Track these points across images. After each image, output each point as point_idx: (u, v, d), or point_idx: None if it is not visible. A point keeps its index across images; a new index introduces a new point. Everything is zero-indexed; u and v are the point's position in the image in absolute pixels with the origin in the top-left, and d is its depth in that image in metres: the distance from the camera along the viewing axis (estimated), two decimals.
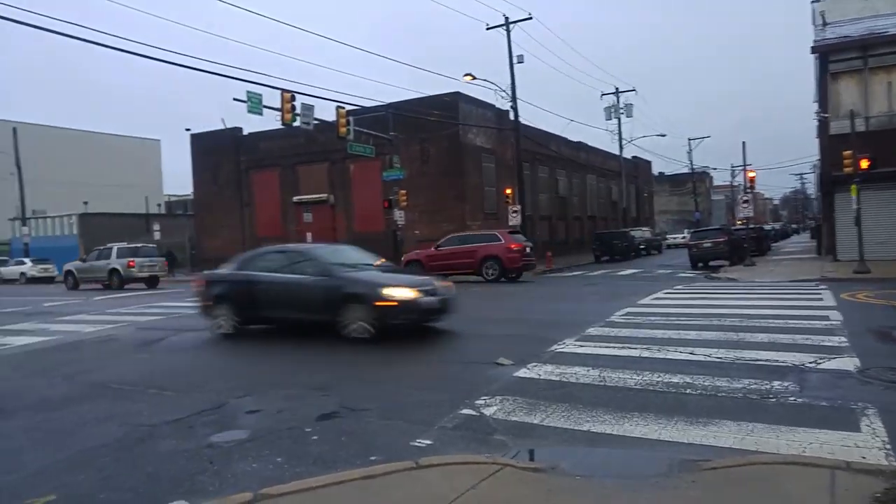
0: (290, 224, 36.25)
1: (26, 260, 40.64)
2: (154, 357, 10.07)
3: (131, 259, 28.37)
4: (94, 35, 17.70)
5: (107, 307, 18.55)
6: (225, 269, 12.45)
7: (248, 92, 22.71)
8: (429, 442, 5.32)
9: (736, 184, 69.27)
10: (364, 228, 33.46)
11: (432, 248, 25.08)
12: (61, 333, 13.13)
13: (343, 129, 25.73)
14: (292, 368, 8.69)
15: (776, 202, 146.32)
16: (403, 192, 28.78)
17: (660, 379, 6.99)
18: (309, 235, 29.80)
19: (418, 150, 32.31)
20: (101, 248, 30.01)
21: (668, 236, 60.31)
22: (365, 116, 28.73)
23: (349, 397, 6.79)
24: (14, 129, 45.76)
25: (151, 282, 29.22)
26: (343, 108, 25.63)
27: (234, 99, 22.78)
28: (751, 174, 29.98)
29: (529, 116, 39.14)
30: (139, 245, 30.52)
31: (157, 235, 43.69)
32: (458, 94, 32.37)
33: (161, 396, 7.36)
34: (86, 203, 55.32)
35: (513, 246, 23.80)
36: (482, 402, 6.32)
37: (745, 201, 28.84)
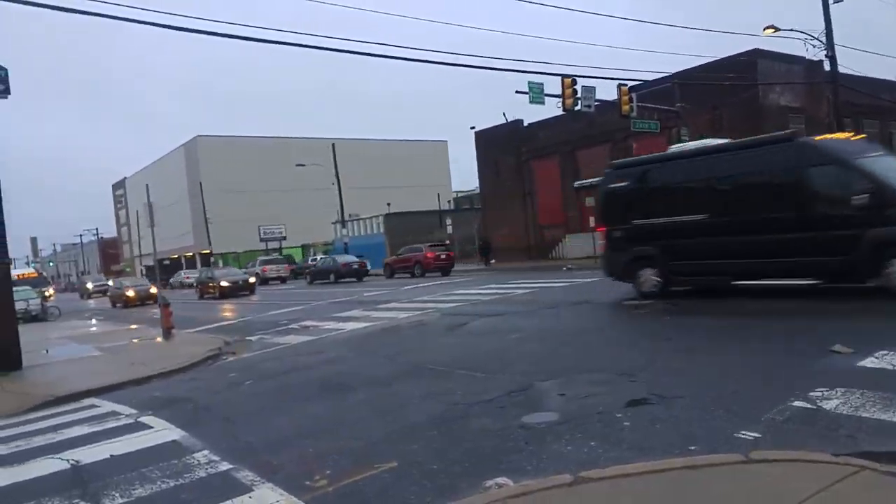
0: (571, 210, 36.39)
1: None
2: (461, 340, 10.75)
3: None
4: (384, 49, 19.59)
5: (414, 295, 20.44)
6: None
7: (530, 83, 23.23)
8: (756, 434, 4.80)
9: None
10: None
11: None
12: (381, 319, 14.76)
13: (626, 108, 25.03)
14: (593, 354, 8.60)
15: None
16: None
17: None
18: (592, 220, 29.55)
19: (709, 119, 29.75)
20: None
21: None
22: (648, 91, 27.55)
23: (658, 384, 6.47)
24: (332, 145, 52.96)
25: (445, 270, 34.10)
26: (625, 85, 24.91)
27: (517, 91, 23.47)
28: None
29: (851, 63, 33.82)
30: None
31: (449, 230, 47.19)
32: (756, 51, 29.02)
33: (471, 377, 7.79)
34: (389, 204, 61.76)
35: None
36: (819, 393, 5.53)
37: None
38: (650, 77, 26.35)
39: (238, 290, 32.90)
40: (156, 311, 18.12)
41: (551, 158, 38.22)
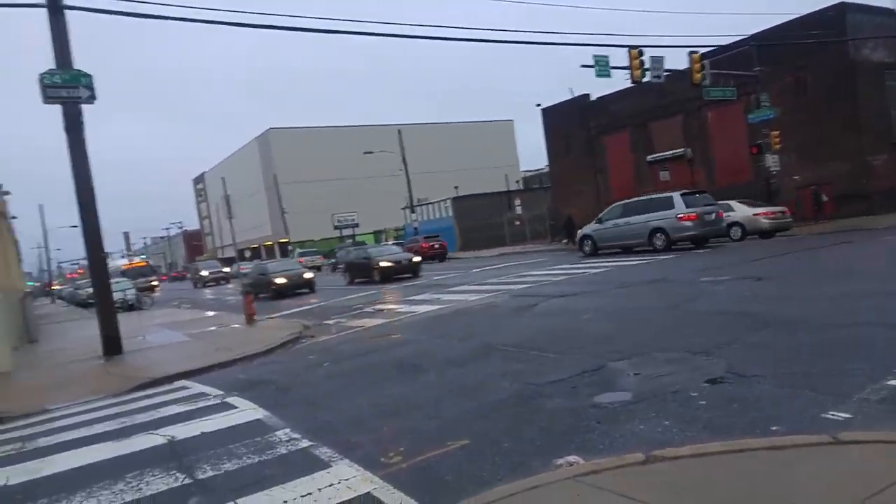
0: (644, 185, 35.48)
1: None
2: (532, 321, 10.74)
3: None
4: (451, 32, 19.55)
5: (483, 278, 20.49)
6: None
7: (595, 56, 22.79)
8: (847, 415, 4.60)
9: None
10: (727, 181, 31.01)
11: None
12: (452, 302, 14.91)
13: (697, 76, 24.24)
14: (668, 332, 8.43)
15: None
16: (776, 133, 25.80)
17: None
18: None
19: (791, 82, 28.14)
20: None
21: None
22: (722, 57, 26.49)
23: (736, 362, 6.30)
24: (399, 131, 53.42)
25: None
26: (696, 52, 24.06)
27: (581, 66, 23.08)
28: None
29: None
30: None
31: (518, 210, 46.92)
32: (842, 4, 27.02)
33: (543, 358, 7.80)
34: (456, 188, 61.93)
35: None
36: None
37: None
38: (725, 42, 25.25)
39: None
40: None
41: (622, 132, 37.35)
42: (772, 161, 25.56)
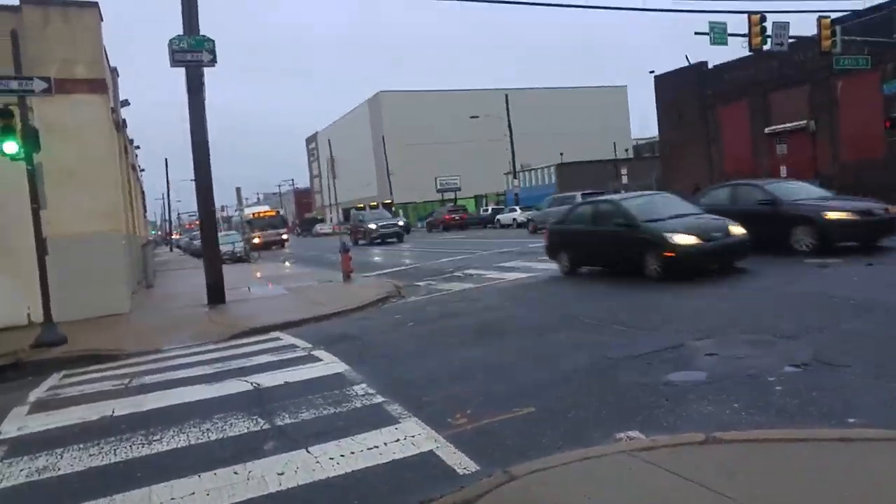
0: (761, 158, 33.51)
1: (517, 208, 46.95)
2: (619, 292, 10.57)
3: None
4: None
5: None
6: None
7: (711, 22, 21.59)
8: None
9: None
10: (855, 156, 28.76)
11: None
12: (541, 271, 14.85)
13: (826, 43, 22.42)
14: (758, 313, 8.08)
15: None
16: None
17: None
18: (783, 169, 27.08)
19: None
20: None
21: None
22: (857, 22, 24.40)
23: (826, 348, 6.00)
24: (506, 96, 52.95)
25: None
26: (827, 17, 22.28)
27: (696, 33, 21.94)
28: None
29: None
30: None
31: (624, 179, 45.59)
32: None
33: (624, 332, 7.71)
34: (561, 154, 60.79)
35: None
36: None
37: None
38: (860, 6, 23.21)
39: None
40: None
41: (739, 102, 35.24)
42: None
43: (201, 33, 14.00)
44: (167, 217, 79.79)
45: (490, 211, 51.26)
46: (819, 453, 3.69)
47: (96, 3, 14.24)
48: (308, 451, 4.76)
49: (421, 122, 75.79)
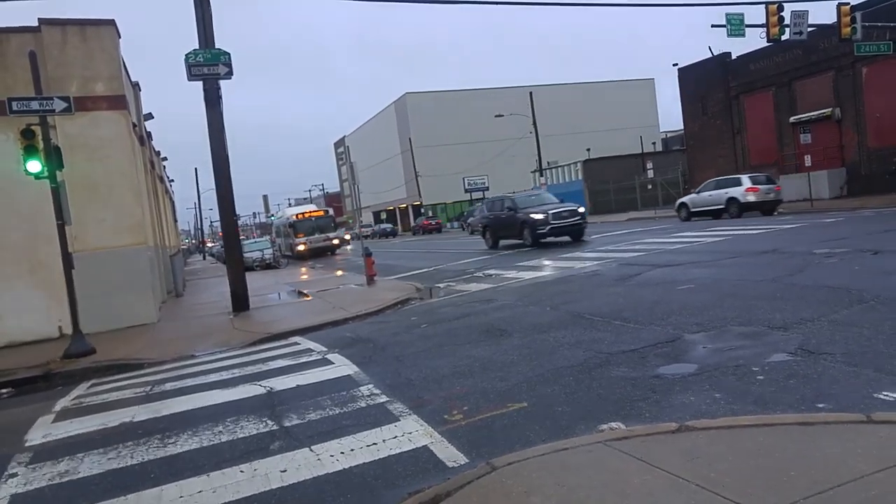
0: (787, 148, 33.13)
1: None
2: (626, 290, 10.71)
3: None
4: None
5: (598, 245, 20.28)
6: None
7: (727, 14, 21.52)
8: None
9: None
10: (882, 143, 28.28)
11: None
12: (558, 269, 15.04)
13: (846, 30, 22.18)
14: (757, 305, 8.15)
15: None
16: None
17: None
18: (807, 158, 26.70)
19: None
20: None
21: None
22: (882, 7, 24.04)
23: (813, 339, 6.14)
24: (530, 94, 52.97)
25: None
26: (846, 4, 22.01)
27: (712, 25, 21.91)
28: None
29: None
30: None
31: (650, 174, 45.28)
32: None
33: (624, 327, 7.89)
34: (588, 150, 60.55)
35: None
36: None
37: None
38: None
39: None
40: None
41: (764, 92, 34.89)
42: None
43: (217, 46, 14.49)
44: (199, 225, 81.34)
45: None
46: (777, 437, 3.88)
47: (113, 20, 14.70)
48: (311, 450, 5.06)
49: (447, 122, 76.17)
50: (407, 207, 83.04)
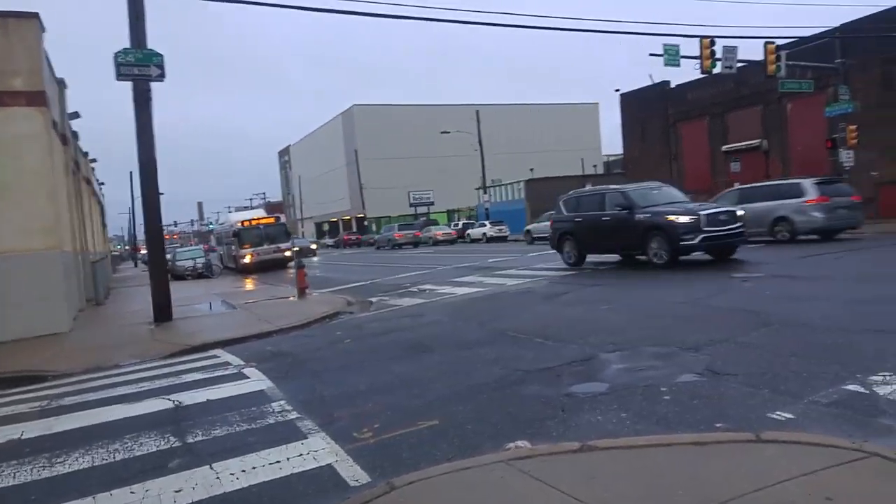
0: (718, 175, 34.33)
1: (486, 223, 47.37)
2: (552, 309, 10.83)
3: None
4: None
5: (534, 262, 20.51)
6: None
7: (665, 45, 22.24)
8: (790, 416, 4.63)
9: None
10: (804, 173, 29.58)
11: None
12: (491, 286, 15.10)
13: (772, 68, 23.26)
14: (674, 326, 8.33)
15: None
16: (853, 127, 24.51)
17: None
18: (737, 185, 27.70)
19: (878, 75, 26.64)
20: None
21: None
22: (803, 48, 25.27)
23: (720, 360, 6.29)
24: (477, 112, 53.51)
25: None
26: (772, 42, 23.07)
27: (650, 54, 22.59)
28: None
29: None
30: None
31: None
32: None
33: (544, 345, 7.93)
34: (531, 170, 61.46)
35: None
36: (880, 377, 5.16)
37: None
38: (807, 33, 24.09)
39: None
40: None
41: (700, 121, 36.21)
42: (846, 156, 24.35)
43: (151, 48, 14.05)
44: (133, 231, 78.45)
45: (461, 226, 51.77)
46: (673, 456, 3.93)
47: (37, 13, 14.09)
48: (211, 468, 4.84)
49: (394, 135, 76.23)
50: (351, 220, 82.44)
